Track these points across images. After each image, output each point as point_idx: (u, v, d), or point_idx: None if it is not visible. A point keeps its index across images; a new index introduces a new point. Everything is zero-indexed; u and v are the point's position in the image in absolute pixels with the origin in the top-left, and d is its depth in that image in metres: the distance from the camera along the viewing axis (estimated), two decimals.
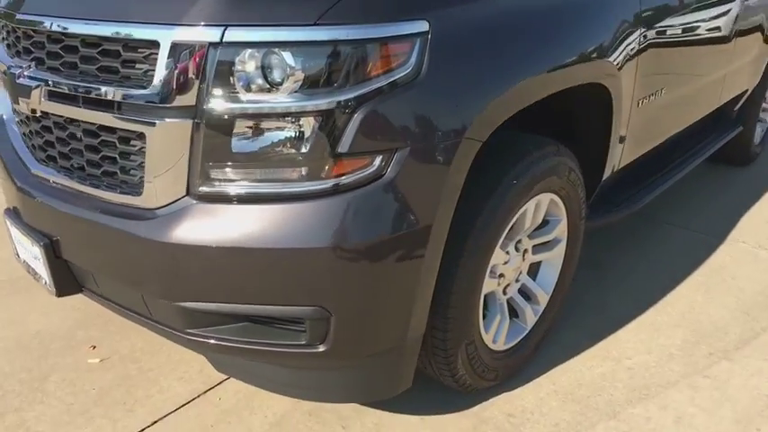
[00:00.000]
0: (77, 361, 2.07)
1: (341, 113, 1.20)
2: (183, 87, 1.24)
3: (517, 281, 1.91)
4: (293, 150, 1.24)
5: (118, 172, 1.43)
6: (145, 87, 1.28)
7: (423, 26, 1.24)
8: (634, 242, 2.89)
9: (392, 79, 1.22)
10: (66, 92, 1.43)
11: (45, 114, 1.55)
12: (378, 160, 1.25)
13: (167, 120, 1.28)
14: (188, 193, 1.32)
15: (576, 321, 2.27)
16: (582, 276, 2.56)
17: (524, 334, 1.96)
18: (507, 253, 1.77)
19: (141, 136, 1.32)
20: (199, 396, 1.90)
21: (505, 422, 1.80)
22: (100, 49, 1.36)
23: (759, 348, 2.14)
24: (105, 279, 1.53)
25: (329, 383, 1.53)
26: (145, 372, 2.01)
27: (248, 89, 1.22)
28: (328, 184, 1.24)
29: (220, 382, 1.94)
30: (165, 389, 1.94)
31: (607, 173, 2.11)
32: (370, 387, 1.53)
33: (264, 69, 1.21)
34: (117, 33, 1.30)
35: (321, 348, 1.37)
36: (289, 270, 1.27)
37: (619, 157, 2.14)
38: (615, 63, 1.81)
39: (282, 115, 1.22)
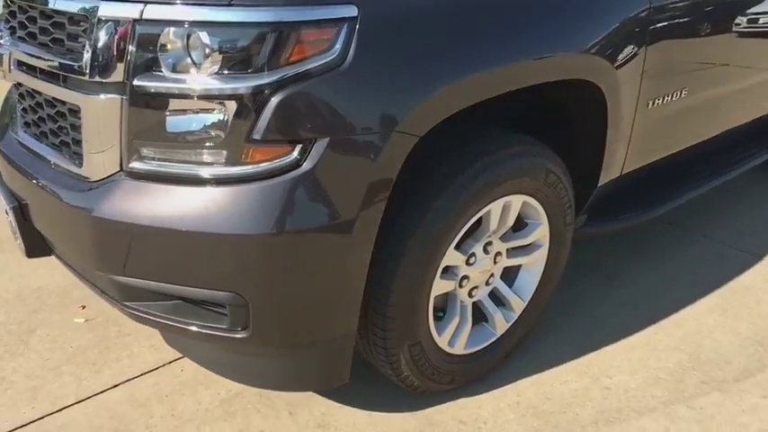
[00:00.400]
0: (65, 319, 2.18)
1: (257, 99, 1.16)
2: (111, 63, 1.25)
3: (488, 284, 1.82)
4: (211, 133, 1.21)
5: (70, 143, 1.47)
6: (80, 61, 1.29)
7: (350, 11, 1.17)
8: (651, 250, 2.68)
9: (313, 66, 1.16)
10: (27, 62, 1.47)
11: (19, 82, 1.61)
12: (296, 150, 1.20)
13: (100, 95, 1.29)
14: (121, 168, 1.33)
15: (563, 331, 2.14)
16: (583, 284, 2.42)
17: (492, 340, 1.87)
18: (473, 255, 1.69)
19: (79, 110, 1.34)
20: (163, 366, 1.95)
21: (454, 428, 1.73)
22: (52, 21, 1.39)
23: (761, 384, 1.94)
24: (57, 244, 1.59)
25: (264, 370, 1.52)
26: (122, 336, 2.09)
27: (170, 68, 1.21)
28: (244, 170, 1.21)
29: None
30: (135, 354, 2.01)
31: (604, 179, 1.95)
32: (302, 377, 1.51)
33: (185, 49, 1.19)
34: (61, 6, 1.32)
35: (243, 334, 1.36)
36: (204, 254, 1.26)
37: (621, 162, 1.97)
38: (609, 58, 1.65)
39: (202, 97, 1.20)
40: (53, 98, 1.45)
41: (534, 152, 1.64)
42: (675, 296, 2.37)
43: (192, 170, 1.25)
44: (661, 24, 1.79)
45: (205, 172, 1.24)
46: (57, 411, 1.77)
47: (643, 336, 2.15)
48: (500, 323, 1.86)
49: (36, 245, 1.70)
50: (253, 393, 1.83)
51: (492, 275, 1.82)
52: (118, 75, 1.24)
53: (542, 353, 2.03)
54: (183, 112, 1.22)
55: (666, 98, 1.98)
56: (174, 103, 1.22)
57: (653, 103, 1.93)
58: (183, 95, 1.20)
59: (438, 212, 1.46)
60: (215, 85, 1.18)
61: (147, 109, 1.24)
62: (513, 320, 1.91)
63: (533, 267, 1.90)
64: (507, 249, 1.81)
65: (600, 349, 2.08)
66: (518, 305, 1.90)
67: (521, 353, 2.01)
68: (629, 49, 1.71)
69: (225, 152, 1.21)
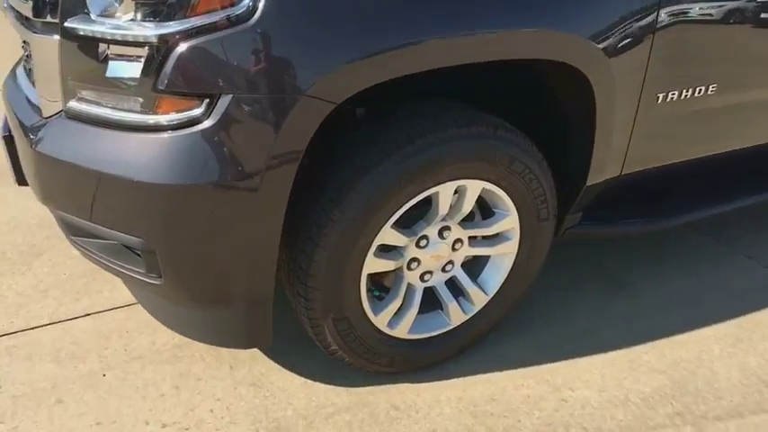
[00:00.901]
0: (70, 247, 2.35)
1: (164, 48, 1.15)
2: (50, 3, 1.29)
3: (446, 271, 1.73)
4: (128, 80, 1.22)
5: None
6: (30, 2, 1.35)
7: None
8: (675, 263, 2.42)
9: (220, 18, 1.13)
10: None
11: None
12: (202, 104, 1.19)
13: (44, 35, 1.34)
14: (64, 107, 1.38)
15: (541, 334, 2.00)
16: (587, 289, 2.24)
17: (446, 330, 1.78)
18: (425, 238, 1.60)
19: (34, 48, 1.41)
20: (135, 304, 2.05)
21: (383, 412, 1.68)
22: None
23: (748, 428, 1.71)
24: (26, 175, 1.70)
25: (190, 321, 1.55)
26: None
27: (96, 12, 1.23)
28: (155, 119, 1.22)
29: None
30: (115, 289, 2.13)
31: (596, 177, 1.76)
32: (222, 333, 1.52)
33: None
34: None
35: (158, 281, 1.39)
36: (116, 197, 1.29)
37: (619, 161, 1.77)
38: (597, 42, 1.47)
39: (119, 42, 1.21)
40: (22, 38, 1.53)
41: (496, 136, 1.51)
42: (685, 316, 2.13)
43: (113, 115, 1.27)
44: (678, 4, 1.57)
45: (123, 118, 1.26)
46: (29, 329, 1.93)
47: (629, 353, 1.96)
48: (456, 314, 1.77)
49: (22, 173, 1.84)
50: (204, 344, 1.88)
51: (451, 263, 1.72)
52: (55, 15, 1.29)
53: (506, 353, 1.91)
54: (106, 56, 1.24)
55: (685, 93, 1.74)
56: (99, 47, 1.24)
57: (664, 98, 1.71)
58: (104, 40, 1.22)
59: (369, 186, 1.39)
60: (129, 31, 1.18)
61: (76, 51, 1.27)
62: (473, 314, 1.80)
63: (500, 261, 1.78)
64: (469, 237, 1.71)
65: (574, 359, 1.92)
66: (480, 298, 1.79)
67: (482, 348, 1.91)
68: (628, 31, 1.52)
69: (139, 100, 1.22)
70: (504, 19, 1.35)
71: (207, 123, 1.19)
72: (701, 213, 2.02)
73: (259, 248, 1.33)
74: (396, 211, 1.47)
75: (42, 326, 1.94)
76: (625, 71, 1.57)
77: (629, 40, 1.53)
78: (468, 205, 1.60)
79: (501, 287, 1.80)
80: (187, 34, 1.14)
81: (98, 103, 1.29)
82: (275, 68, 1.17)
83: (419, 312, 1.74)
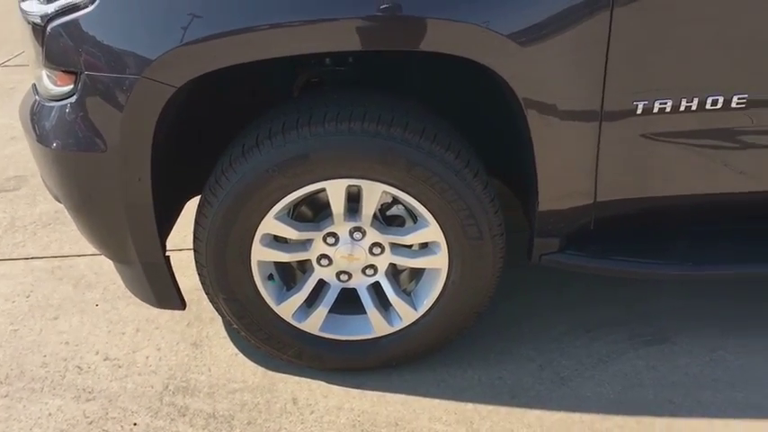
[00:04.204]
0: None
1: (45, 27, 1.30)
2: None
3: (367, 275, 1.61)
4: (36, 56, 1.40)
5: None
6: None
7: None
8: (755, 318, 1.84)
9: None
10: None
11: None
12: (75, 80, 1.31)
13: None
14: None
15: (497, 371, 1.73)
16: (601, 334, 1.85)
17: (367, 337, 1.67)
18: (333, 235, 1.52)
19: None
20: None
21: (281, 403, 1.66)
22: None
23: None
24: None
25: (121, 275, 1.73)
26: None
27: None
28: (53, 91, 1.38)
29: None
30: None
31: (551, 203, 1.44)
32: (139, 291, 1.66)
33: None
34: None
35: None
36: (37, 158, 1.51)
37: (587, 187, 1.40)
38: (505, 27, 1.18)
39: (30, 21, 1.38)
40: None
41: (389, 136, 1.34)
42: (725, 398, 1.62)
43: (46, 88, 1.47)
44: None
45: (45, 89, 1.45)
46: (73, 255, 2.33)
47: (599, 421, 1.58)
48: (378, 323, 1.65)
49: None
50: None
51: (373, 268, 1.60)
52: None
53: (443, 381, 1.71)
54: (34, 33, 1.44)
55: (687, 104, 1.30)
56: (31, 23, 1.44)
57: (650, 109, 1.30)
58: (28, 20, 1.42)
59: (240, 173, 1.38)
60: (31, 10, 1.36)
61: (29, 25, 1.49)
62: (400, 328, 1.65)
63: (433, 277, 1.59)
64: (391, 244, 1.56)
65: (519, 410, 1.62)
66: (407, 313, 1.63)
67: (419, 369, 1.73)
68: (562, 13, 1.19)
69: (39, 72, 1.40)
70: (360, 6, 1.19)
71: (75, 98, 1.32)
72: (735, 269, 1.50)
73: (130, 214, 1.42)
74: (276, 203, 1.43)
75: (82, 255, 2.34)
76: (567, 73, 1.25)
77: (564, 25, 1.20)
78: (371, 207, 1.46)
79: (434, 307, 1.61)
80: (57, 14, 1.28)
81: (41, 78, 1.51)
82: (116, 50, 1.24)
83: (345, 313, 1.68)
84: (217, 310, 1.67)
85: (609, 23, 1.21)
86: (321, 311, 1.64)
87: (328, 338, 1.68)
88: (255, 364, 1.80)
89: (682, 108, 1.30)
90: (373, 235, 1.54)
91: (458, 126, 1.54)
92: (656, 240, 1.58)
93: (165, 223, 1.64)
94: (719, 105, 1.29)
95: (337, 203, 1.46)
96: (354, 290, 1.65)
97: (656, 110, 1.30)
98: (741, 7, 1.26)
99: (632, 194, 1.48)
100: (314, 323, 1.65)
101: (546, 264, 1.64)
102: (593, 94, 1.28)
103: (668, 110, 1.30)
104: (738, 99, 1.29)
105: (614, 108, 1.31)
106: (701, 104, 1.30)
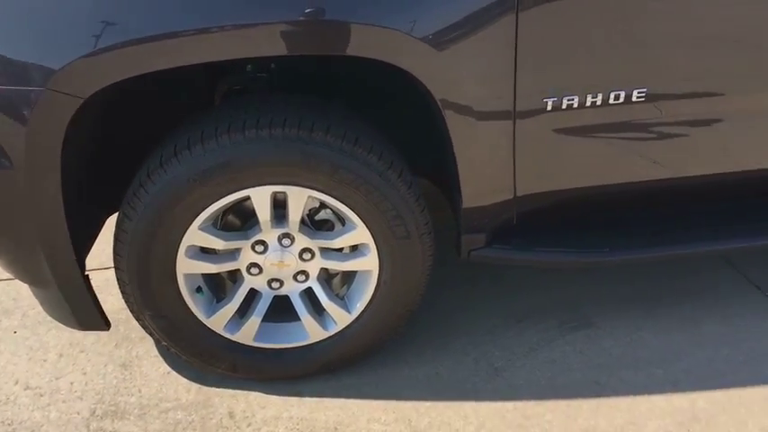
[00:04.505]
0: None
1: None
2: None
3: (299, 281, 1.60)
4: None
5: None
6: None
7: None
8: (677, 305, 1.95)
9: None
10: None
11: None
12: None
13: None
14: None
15: (435, 366, 1.76)
16: (531, 324, 1.91)
17: (303, 344, 1.66)
18: (262, 243, 1.50)
19: None
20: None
21: (217, 419, 1.62)
22: None
23: None
24: None
25: (39, 298, 1.64)
26: None
27: None
28: None
29: None
30: None
31: (475, 200, 1.49)
32: (57, 313, 1.59)
33: None
34: None
35: None
36: None
37: (507, 182, 1.46)
38: (420, 36, 1.22)
39: None
40: None
41: (311, 140, 1.34)
42: (644, 375, 1.72)
43: None
44: None
45: None
46: None
47: (529, 407, 1.63)
48: (313, 328, 1.64)
49: None
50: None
51: (305, 274, 1.60)
52: None
53: (382, 381, 1.72)
54: None
55: (593, 99, 1.38)
56: None
57: (559, 105, 1.37)
58: None
59: (158, 184, 1.34)
60: None
61: None
62: (335, 332, 1.65)
63: (365, 279, 1.60)
64: (321, 249, 1.56)
65: (455, 403, 1.66)
66: (341, 317, 1.63)
67: (357, 371, 1.74)
68: (472, 17, 1.24)
69: None
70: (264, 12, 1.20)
71: None
72: (647, 253, 1.60)
73: (42, 233, 1.36)
74: (199, 213, 1.40)
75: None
76: (480, 73, 1.29)
77: (474, 26, 1.25)
78: (296, 213, 1.46)
79: (368, 308, 1.62)
80: None
81: None
82: (17, 61, 1.19)
83: (278, 321, 1.66)
84: (144, 329, 1.61)
85: (515, 26, 1.26)
86: (254, 321, 1.61)
87: (264, 348, 1.65)
88: (189, 381, 1.75)
89: (588, 104, 1.37)
90: (302, 240, 1.54)
91: (383, 128, 1.57)
92: (576, 230, 1.66)
93: (84, 241, 1.57)
94: (622, 100, 1.38)
95: (263, 211, 1.44)
96: (287, 297, 1.64)
97: (564, 106, 1.37)
98: (636, 8, 1.34)
99: (550, 187, 1.55)
100: (247, 334, 1.63)
101: (475, 259, 1.69)
102: (506, 94, 1.33)
103: (576, 106, 1.37)
104: (638, 93, 1.38)
105: (526, 107, 1.36)
106: (605, 100, 1.37)
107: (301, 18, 1.21)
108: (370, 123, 1.52)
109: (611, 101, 1.38)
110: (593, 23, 1.30)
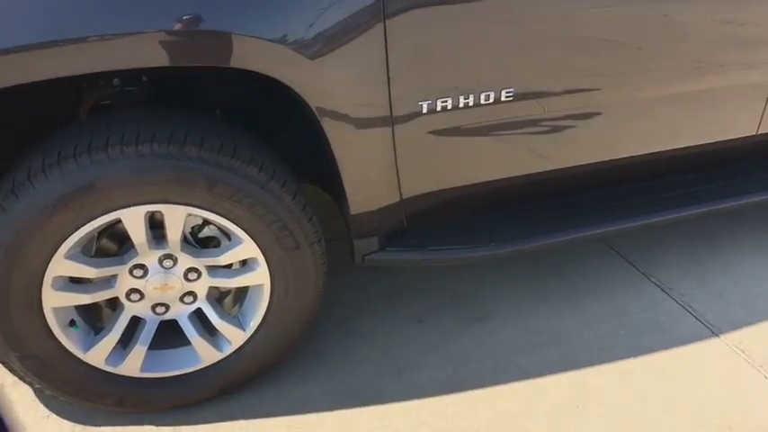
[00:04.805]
0: None
1: None
2: None
3: (186, 303, 1.53)
4: None
5: None
6: None
7: None
8: (562, 290, 2.06)
9: None
10: None
11: None
12: None
13: None
14: None
15: (344, 372, 1.75)
16: (433, 322, 1.94)
17: (195, 368, 1.58)
18: (141, 267, 1.41)
19: None
20: None
21: None
22: None
23: None
24: None
25: None
26: None
27: None
28: None
29: None
30: None
31: (362, 205, 1.49)
32: None
33: None
34: None
35: None
36: None
37: (391, 185, 1.48)
38: (290, 45, 1.20)
39: None
40: None
41: (184, 156, 1.28)
42: (538, 358, 1.79)
43: None
44: None
45: None
46: None
47: (433, 404, 1.66)
48: (206, 351, 1.56)
49: None
50: None
51: (192, 295, 1.52)
52: None
53: (286, 395, 1.67)
54: None
55: (465, 101, 1.42)
56: None
57: (433, 108, 1.40)
58: None
59: (15, 213, 1.22)
60: None
61: None
62: (231, 352, 1.59)
63: (257, 294, 1.55)
64: (207, 267, 1.49)
65: (358, 410, 1.64)
66: (236, 335, 1.57)
67: (260, 389, 1.68)
68: (341, 26, 1.24)
69: None
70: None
71: None
72: (532, 243, 1.68)
73: None
74: (64, 240, 1.29)
75: None
76: (352, 79, 1.29)
77: (343, 34, 1.25)
78: (176, 233, 1.38)
79: (263, 324, 1.57)
80: None
81: None
82: None
83: (167, 347, 1.57)
84: (12, 372, 1.46)
85: (384, 33, 1.27)
86: (139, 350, 1.51)
87: (153, 378, 1.55)
88: (72, 423, 1.61)
89: (461, 105, 1.41)
90: (186, 260, 1.46)
91: (264, 138, 1.53)
92: (466, 226, 1.70)
93: None
94: (492, 100, 1.43)
95: (137, 233, 1.35)
96: (175, 321, 1.55)
97: (439, 109, 1.40)
98: (499, 13, 1.39)
99: (435, 188, 1.58)
100: (133, 365, 1.52)
101: (370, 264, 1.69)
102: (382, 100, 1.34)
103: (450, 108, 1.40)
104: (506, 93, 1.44)
105: (402, 111, 1.38)
106: (477, 100, 1.42)
107: (165, 28, 1.15)
108: (250, 134, 1.47)
109: (482, 101, 1.43)
110: (459, 28, 1.34)
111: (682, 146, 1.86)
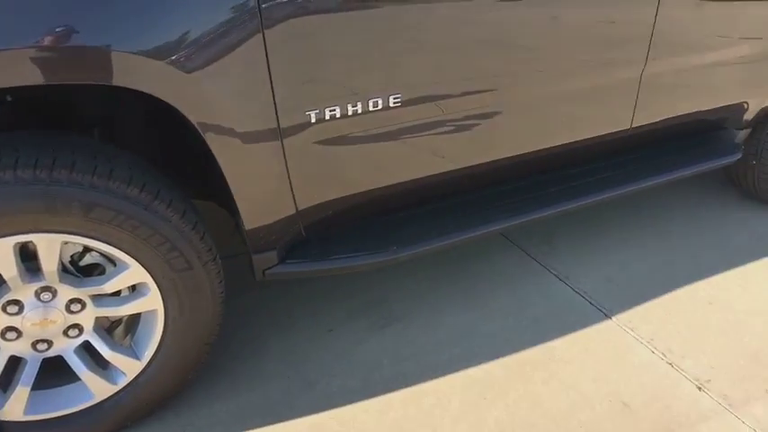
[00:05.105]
0: None
1: None
2: None
3: (71, 337, 1.43)
4: None
5: None
6: None
7: None
8: (469, 289, 2.11)
9: None
10: None
11: None
12: None
13: None
14: None
15: (255, 393, 1.70)
16: (344, 330, 1.94)
17: (88, 404, 1.48)
18: (16, 303, 1.31)
19: None
20: None
21: None
22: None
23: None
24: None
25: None
26: None
27: None
28: None
29: None
30: None
31: (252, 221, 1.46)
32: None
33: None
34: None
35: None
36: None
37: (286, 198, 1.46)
38: (167, 60, 1.16)
39: None
40: None
41: (52, 180, 1.20)
42: (448, 356, 1.83)
43: None
44: None
45: None
46: None
47: (342, 414, 1.66)
48: (98, 386, 1.47)
49: None
50: None
51: (77, 327, 1.43)
52: None
53: (192, 423, 1.61)
54: None
55: (353, 108, 1.43)
56: None
57: (321, 117, 1.40)
58: None
59: None
60: None
61: None
62: (126, 383, 1.51)
63: (150, 321, 1.48)
64: (92, 296, 1.41)
65: (270, 426, 1.62)
66: (130, 366, 1.49)
67: (163, 417, 1.61)
68: (219, 39, 1.21)
69: None
70: None
71: None
72: (432, 244, 1.72)
73: None
74: None
75: None
76: (231, 91, 1.26)
77: (225, 53, 1.22)
78: (51, 263, 1.29)
79: (160, 350, 1.50)
80: None
81: None
82: None
83: (54, 385, 1.46)
84: None
85: (264, 45, 1.25)
86: (22, 392, 1.39)
87: (39, 420, 1.44)
88: None
89: (350, 113, 1.41)
90: (67, 291, 1.36)
91: (149, 157, 1.46)
92: (367, 232, 1.71)
93: None
94: (380, 106, 1.45)
95: (6, 267, 1.25)
96: (61, 356, 1.45)
97: (327, 117, 1.39)
98: (379, 20, 1.41)
99: (330, 197, 1.57)
100: (16, 408, 1.40)
101: (271, 278, 1.65)
102: (267, 112, 1.32)
103: (339, 116, 1.40)
104: (394, 99, 1.46)
105: (290, 122, 1.36)
106: (366, 107, 1.43)
107: (27, 45, 1.06)
108: (130, 153, 1.40)
109: (371, 108, 1.44)
110: (339, 36, 1.34)
111: (569, 141, 1.97)
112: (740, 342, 1.92)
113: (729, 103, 2.27)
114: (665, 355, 1.86)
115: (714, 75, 2.13)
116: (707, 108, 2.23)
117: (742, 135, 2.41)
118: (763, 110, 2.34)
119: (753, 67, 2.20)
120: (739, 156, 2.38)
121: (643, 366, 1.82)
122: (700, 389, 1.75)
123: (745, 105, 2.30)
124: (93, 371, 1.45)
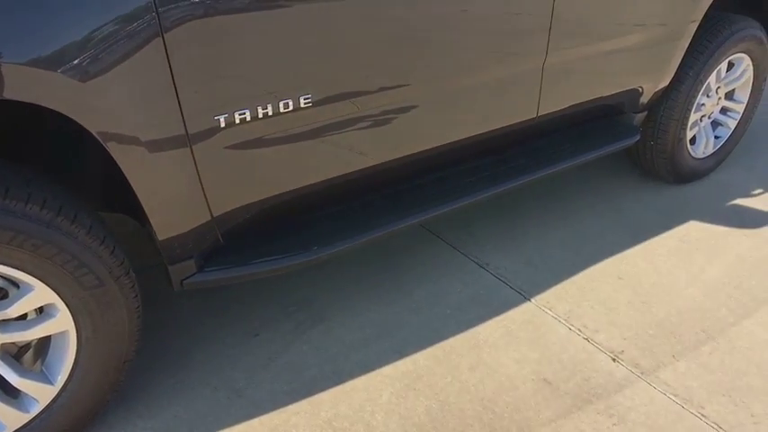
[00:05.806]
0: None
1: None
2: None
3: None
4: None
5: None
6: None
7: None
8: (390, 282, 2.14)
9: None
10: None
11: None
12: None
13: None
14: None
15: (182, 402, 1.66)
16: (271, 334, 1.92)
17: None
18: None
19: None
20: None
21: None
22: None
23: None
24: None
25: None
26: None
27: None
28: None
29: None
30: None
31: (164, 230, 1.42)
32: None
33: None
34: None
35: None
36: None
37: (200, 204, 1.44)
38: (58, 69, 1.11)
39: None
40: None
41: None
42: (376, 351, 1.86)
43: None
44: None
45: None
46: None
47: (275, 417, 1.65)
48: (8, 417, 1.39)
49: None
50: None
51: None
52: None
53: None
54: None
55: (263, 111, 1.42)
56: None
57: (231, 121, 1.38)
58: None
59: None
60: None
61: None
62: (40, 410, 1.43)
63: (62, 343, 1.41)
64: None
65: None
66: (42, 392, 1.41)
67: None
68: (114, 45, 1.17)
69: None
70: None
71: None
72: (353, 242, 1.73)
73: None
74: None
75: None
76: (132, 99, 1.22)
77: (123, 59, 1.18)
78: None
79: (74, 373, 1.43)
80: None
81: None
82: None
83: None
84: None
85: (164, 50, 1.21)
86: None
87: None
88: None
89: (260, 116, 1.40)
90: None
91: (50, 171, 1.38)
92: (287, 234, 1.70)
93: None
94: (291, 107, 1.44)
95: None
96: None
97: (237, 121, 1.37)
98: (282, 21, 1.40)
99: (246, 201, 1.55)
100: None
101: (191, 287, 1.61)
102: (173, 118, 1.28)
103: (249, 119, 1.38)
104: (305, 99, 1.46)
105: (198, 127, 1.33)
106: (276, 109, 1.42)
107: None
108: (28, 169, 1.32)
109: (281, 110, 1.43)
110: (242, 38, 1.32)
111: (481, 132, 2.03)
112: (648, 313, 2.07)
113: (626, 89, 2.42)
114: (580, 331, 1.97)
115: (611, 62, 2.26)
116: (606, 94, 2.36)
117: (639, 118, 2.58)
118: (656, 93, 2.51)
119: (645, 53, 2.35)
120: (638, 138, 2.54)
121: (561, 343, 1.92)
122: (614, 360, 1.87)
123: (641, 90, 2.45)
124: (1, 401, 1.37)
